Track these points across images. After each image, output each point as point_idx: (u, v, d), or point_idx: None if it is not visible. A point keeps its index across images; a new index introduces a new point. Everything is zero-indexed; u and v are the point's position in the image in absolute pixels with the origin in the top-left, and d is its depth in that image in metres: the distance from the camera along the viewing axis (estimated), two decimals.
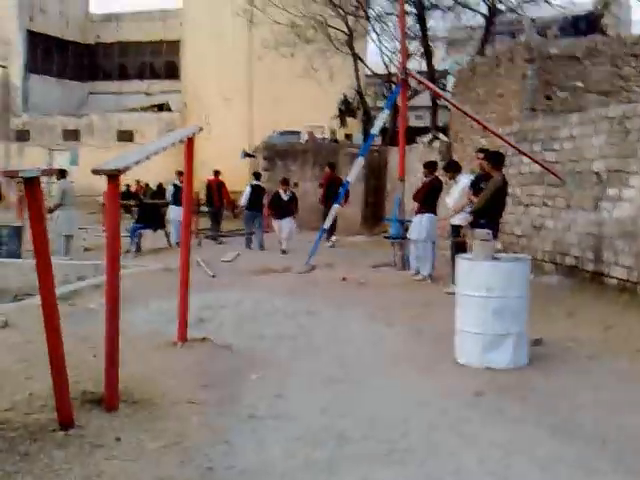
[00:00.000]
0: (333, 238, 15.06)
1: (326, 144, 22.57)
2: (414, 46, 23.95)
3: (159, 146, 5.15)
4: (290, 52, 22.94)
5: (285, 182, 14.96)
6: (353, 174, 12.15)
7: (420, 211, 10.29)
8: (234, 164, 23.97)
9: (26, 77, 35.65)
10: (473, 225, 7.97)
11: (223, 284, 9.54)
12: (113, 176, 4.17)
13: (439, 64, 26.43)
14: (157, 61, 38.53)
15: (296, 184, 19.09)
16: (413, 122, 27.05)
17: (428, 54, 21.83)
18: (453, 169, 9.84)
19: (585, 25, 15.15)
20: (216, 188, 17.02)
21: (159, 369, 5.13)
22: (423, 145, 16.19)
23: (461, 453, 3.80)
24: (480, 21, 22.77)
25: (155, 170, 21.17)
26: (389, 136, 21.83)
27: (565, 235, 9.56)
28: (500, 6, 21.44)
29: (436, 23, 24.85)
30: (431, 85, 13.86)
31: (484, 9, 21.83)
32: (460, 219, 9.08)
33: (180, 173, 14.35)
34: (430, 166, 10.68)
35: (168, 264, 9.98)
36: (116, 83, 38.70)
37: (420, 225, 10.19)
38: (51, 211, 12.46)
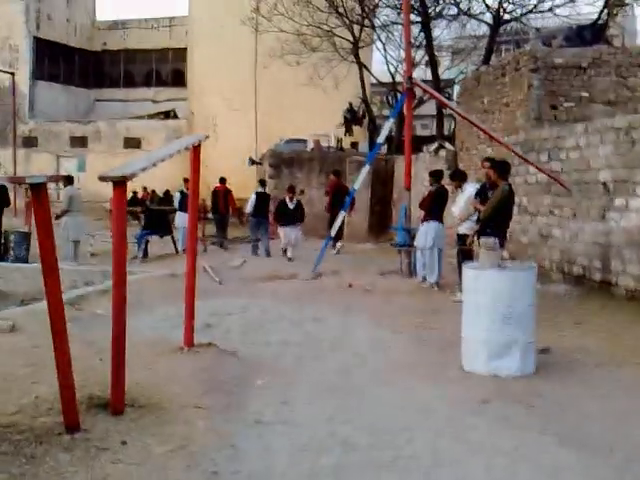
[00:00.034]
0: (338, 244, 15.07)
1: (332, 152, 22.61)
2: (419, 55, 24.07)
3: (165, 153, 5.17)
4: (296, 60, 23.03)
5: (291, 190, 14.97)
6: (359, 182, 12.18)
7: (426, 219, 10.29)
8: (241, 171, 24.03)
9: (33, 84, 35.85)
10: (480, 234, 7.96)
11: (229, 290, 9.55)
12: (119, 183, 4.18)
13: (444, 73, 26.51)
14: (163, 68, 38.70)
15: (302, 191, 19.12)
16: (419, 131, 27.13)
17: (433, 63, 21.90)
18: (459, 178, 9.85)
19: (590, 35, 15.15)
20: (222, 195, 17.08)
21: (165, 374, 5.13)
22: (429, 154, 16.21)
23: (466, 461, 3.78)
24: (485, 30, 22.85)
25: (162, 177, 21.24)
26: (395, 145, 21.88)
27: (572, 244, 9.55)
28: (505, 16, 21.50)
29: (441, 32, 25.01)
30: (436, 94, 13.89)
31: (489, 18, 21.90)
32: (466, 228, 9.08)
33: (187, 180, 14.40)
34: (436, 175, 10.69)
35: (174, 270, 10.00)
36: (122, 90, 38.88)
37: (426, 233, 10.19)
38: (58, 217, 12.52)
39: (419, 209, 10.76)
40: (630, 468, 3.74)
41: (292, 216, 14.36)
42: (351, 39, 23.42)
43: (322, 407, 4.66)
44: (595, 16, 18.90)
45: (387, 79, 26.37)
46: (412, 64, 15.35)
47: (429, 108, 25.16)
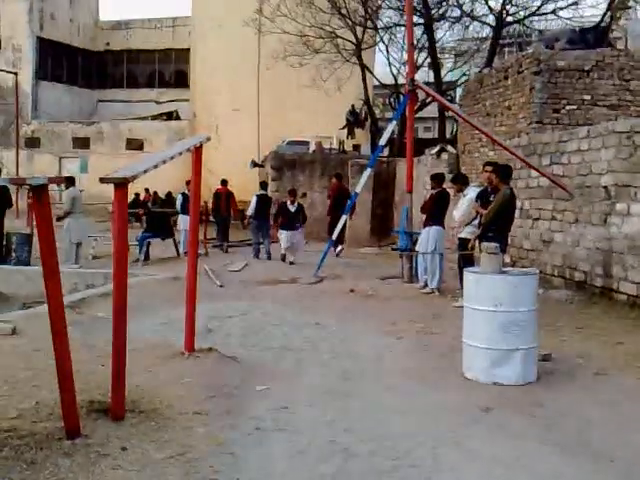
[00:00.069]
0: (339, 247, 15.05)
1: (334, 155, 22.60)
2: (422, 57, 24.07)
3: (168, 155, 5.15)
4: (298, 62, 23.03)
5: (292, 193, 14.94)
6: (361, 186, 12.17)
7: (428, 223, 10.28)
8: (243, 173, 24.04)
9: (36, 84, 35.92)
10: (481, 238, 7.95)
11: (231, 294, 9.55)
12: (121, 185, 4.18)
13: (447, 75, 26.52)
14: (166, 69, 38.77)
15: (304, 194, 19.11)
16: (421, 134, 27.13)
17: (436, 65, 21.90)
18: (461, 182, 9.84)
19: (593, 38, 15.14)
20: (224, 198, 17.07)
21: (166, 378, 5.14)
22: (431, 157, 16.20)
23: (467, 469, 3.78)
24: (488, 33, 22.86)
25: (164, 179, 21.27)
26: (397, 147, 21.86)
27: (574, 249, 9.53)
28: (508, 18, 21.50)
29: (444, 34, 25.03)
30: (438, 97, 13.87)
31: (492, 21, 21.91)
32: (468, 232, 9.07)
33: (189, 182, 14.38)
34: (437, 178, 10.67)
35: (176, 273, 10.01)
36: (125, 91, 38.96)
37: (428, 237, 10.17)
38: (60, 219, 12.51)
39: (421, 213, 10.74)
40: (631, 476, 3.73)
41: (293, 220, 14.33)
42: (354, 41, 23.43)
43: (323, 412, 4.66)
44: (598, 19, 18.94)
45: (390, 81, 26.38)
46: (415, 66, 15.38)
47: (431, 111, 25.19)
